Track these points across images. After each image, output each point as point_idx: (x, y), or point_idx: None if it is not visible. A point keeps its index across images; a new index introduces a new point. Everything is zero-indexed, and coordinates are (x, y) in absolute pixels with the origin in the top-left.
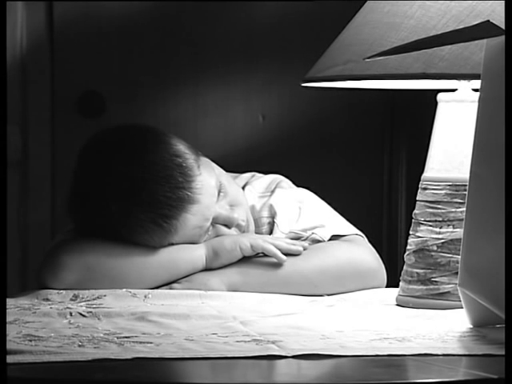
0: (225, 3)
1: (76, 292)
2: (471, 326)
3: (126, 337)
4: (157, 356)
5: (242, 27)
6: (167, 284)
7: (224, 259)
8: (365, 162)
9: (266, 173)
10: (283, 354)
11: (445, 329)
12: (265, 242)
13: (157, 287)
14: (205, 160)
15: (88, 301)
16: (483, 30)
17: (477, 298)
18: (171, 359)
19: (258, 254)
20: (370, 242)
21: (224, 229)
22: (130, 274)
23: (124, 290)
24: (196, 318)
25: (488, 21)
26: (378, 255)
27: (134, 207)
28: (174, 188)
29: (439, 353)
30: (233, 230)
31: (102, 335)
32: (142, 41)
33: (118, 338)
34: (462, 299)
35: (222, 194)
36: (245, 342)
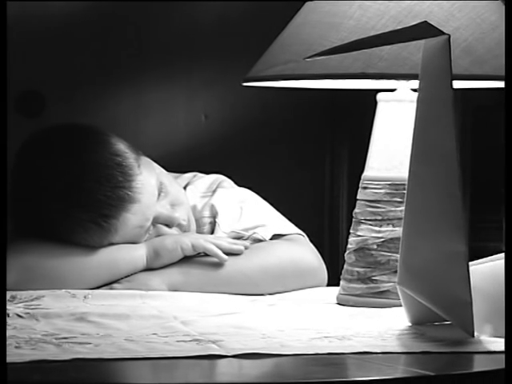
0: (166, 3)
1: (14, 293)
2: (410, 324)
3: (65, 338)
4: (96, 357)
5: (184, 27)
6: (108, 284)
7: (165, 259)
8: (306, 162)
9: (208, 173)
10: (223, 353)
11: (384, 327)
12: (206, 242)
13: (97, 287)
14: (145, 159)
15: (26, 302)
16: (421, 30)
17: (415, 296)
18: (111, 360)
19: (200, 253)
20: (311, 241)
21: (165, 228)
22: (69, 275)
23: (63, 290)
24: (136, 318)
25: (425, 21)
26: (318, 254)
27: (73, 207)
28: (114, 187)
29: (378, 351)
30: (174, 230)
31: (39, 336)
32: (83, 39)
33: (56, 339)
34: (400, 297)
35: (162, 193)
36: (185, 341)
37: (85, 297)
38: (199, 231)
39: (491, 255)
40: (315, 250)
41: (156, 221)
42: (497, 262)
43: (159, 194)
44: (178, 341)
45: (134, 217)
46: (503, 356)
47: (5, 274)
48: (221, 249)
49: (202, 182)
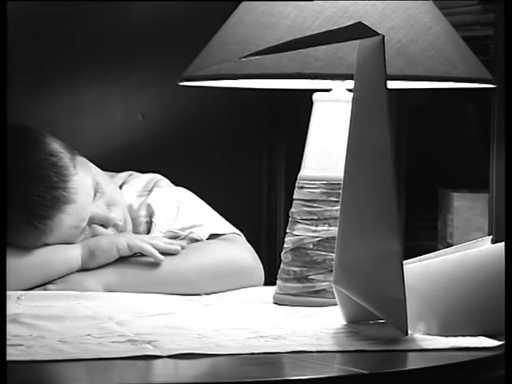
0: (102, 2)
1: None
2: (345, 323)
3: None
4: (28, 359)
5: (121, 26)
6: (42, 285)
7: (100, 259)
8: (244, 161)
9: (145, 172)
10: (158, 353)
11: (319, 326)
12: (142, 242)
13: (31, 288)
14: (81, 159)
15: None
16: (356, 31)
17: (350, 295)
18: (44, 362)
19: (136, 253)
20: (248, 240)
21: (101, 229)
22: None
23: None
24: (70, 319)
25: (360, 22)
26: (255, 254)
27: (7, 208)
28: (49, 188)
29: (313, 350)
30: (110, 230)
31: None
32: (17, 38)
33: None
34: (336, 296)
35: (98, 193)
36: (120, 342)
37: (18, 298)
38: (135, 231)
39: (426, 254)
40: (252, 249)
41: (92, 221)
42: (430, 260)
43: (95, 194)
44: (112, 341)
45: (70, 217)
46: (436, 354)
47: (5, 274)
48: (157, 249)
49: (138, 181)
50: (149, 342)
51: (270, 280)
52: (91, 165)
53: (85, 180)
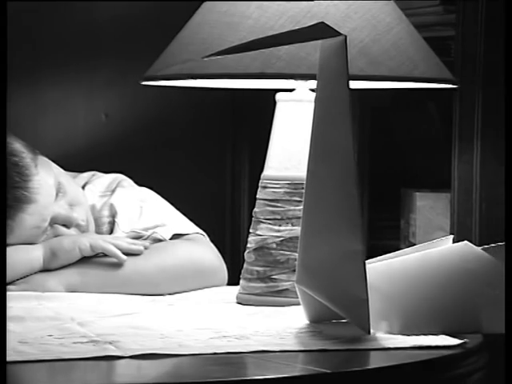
0: (65, 2)
1: None
2: (308, 322)
3: None
4: None
5: (84, 25)
6: None
7: (62, 260)
8: (207, 161)
9: (108, 172)
10: (120, 354)
11: (283, 325)
12: (105, 242)
13: None
14: (43, 159)
15: None
16: (318, 31)
17: (313, 294)
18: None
19: (98, 254)
20: (212, 240)
21: (63, 229)
22: None
23: None
24: (32, 319)
25: (323, 22)
26: (219, 254)
27: None
28: (10, 188)
29: (276, 349)
30: (72, 230)
31: None
32: None
33: None
34: (299, 296)
35: (60, 193)
36: (81, 343)
37: None
38: (98, 231)
39: (388, 253)
40: (215, 249)
41: (54, 221)
42: (392, 260)
43: (57, 194)
44: (74, 342)
45: (31, 217)
46: (398, 352)
47: (5, 274)
48: (120, 249)
49: (101, 181)
50: (111, 343)
51: (233, 280)
52: (53, 165)
53: (46, 180)
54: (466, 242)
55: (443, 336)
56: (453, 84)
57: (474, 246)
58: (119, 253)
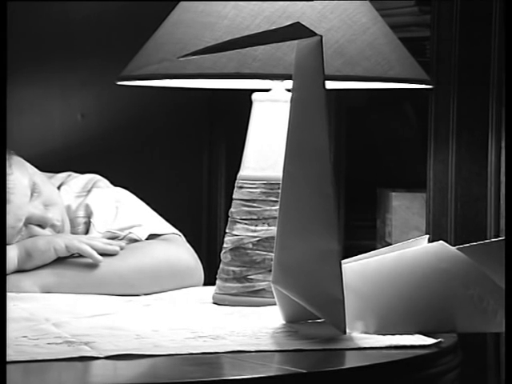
0: (42, 2)
1: None
2: (284, 322)
3: None
4: None
5: (60, 25)
6: None
7: (37, 260)
8: (184, 161)
9: (84, 172)
10: (95, 354)
11: (259, 325)
12: (80, 243)
13: None
14: (17, 159)
15: None
16: (294, 31)
17: (289, 294)
18: None
19: (74, 254)
20: (189, 240)
21: (38, 229)
22: None
23: None
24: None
25: (298, 22)
26: (195, 254)
27: None
28: None
29: (252, 349)
30: (47, 231)
31: None
32: None
33: None
34: (275, 296)
35: (35, 193)
36: (56, 344)
37: None
38: (73, 231)
39: (364, 253)
40: (192, 249)
41: (28, 221)
42: (368, 259)
43: (32, 195)
44: (49, 343)
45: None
46: (374, 352)
47: (5, 274)
48: (95, 249)
49: (77, 181)
50: (86, 343)
51: (209, 280)
52: (28, 165)
53: (21, 180)
54: (441, 241)
55: (418, 335)
56: (428, 84)
57: (449, 246)
58: (95, 253)
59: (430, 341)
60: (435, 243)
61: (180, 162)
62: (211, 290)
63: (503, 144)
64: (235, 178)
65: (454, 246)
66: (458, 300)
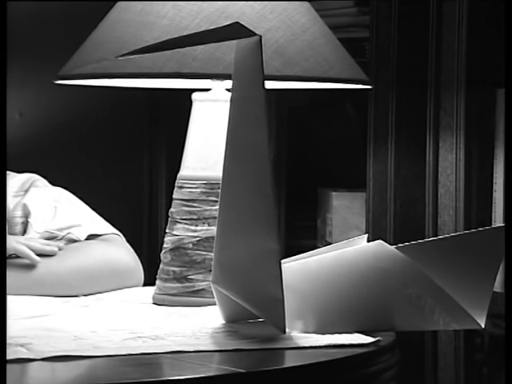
0: None
1: None
2: (224, 322)
3: None
4: None
5: None
6: None
7: None
8: (125, 161)
9: (22, 172)
10: (32, 356)
11: (198, 326)
12: (17, 243)
13: None
14: None
15: None
16: (234, 31)
17: (229, 294)
18: None
19: (11, 255)
20: (129, 240)
21: None
22: None
23: None
24: None
25: (237, 22)
26: (135, 254)
27: None
28: None
29: (191, 349)
30: None
31: None
32: None
33: None
34: (215, 296)
35: None
36: None
37: None
38: (11, 232)
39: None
40: (131, 249)
41: None
42: (307, 259)
43: None
44: None
45: None
46: (313, 351)
47: (5, 274)
48: (33, 250)
49: (15, 181)
50: (22, 345)
51: (150, 280)
52: None
53: None
54: (380, 241)
55: (357, 334)
56: (367, 84)
57: (388, 245)
58: (32, 254)
59: (368, 339)
60: (374, 242)
61: (120, 161)
62: (151, 290)
63: (441, 144)
64: (176, 178)
65: (392, 245)
66: (396, 299)
